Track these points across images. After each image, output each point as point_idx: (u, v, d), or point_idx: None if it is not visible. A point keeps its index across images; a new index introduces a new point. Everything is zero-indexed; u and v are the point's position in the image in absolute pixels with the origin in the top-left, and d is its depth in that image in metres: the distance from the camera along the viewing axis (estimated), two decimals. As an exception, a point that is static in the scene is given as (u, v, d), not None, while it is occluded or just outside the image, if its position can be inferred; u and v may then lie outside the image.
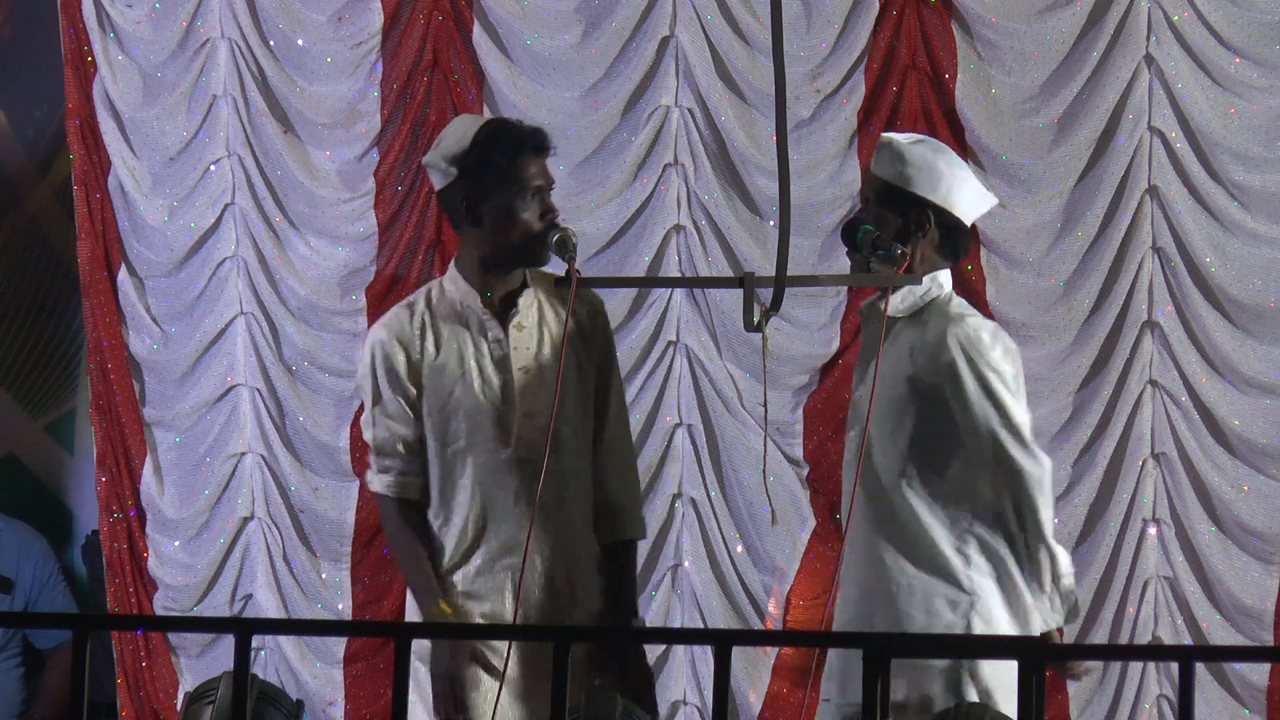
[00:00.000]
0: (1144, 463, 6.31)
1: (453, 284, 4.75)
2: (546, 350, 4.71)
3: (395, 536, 4.77)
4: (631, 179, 6.55)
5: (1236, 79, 6.28)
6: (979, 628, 4.59)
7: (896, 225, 4.80)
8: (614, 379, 4.84)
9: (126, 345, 6.85)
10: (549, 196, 4.71)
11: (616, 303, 6.53)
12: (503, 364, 4.70)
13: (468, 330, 4.72)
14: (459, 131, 4.74)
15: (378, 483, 4.75)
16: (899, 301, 4.77)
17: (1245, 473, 6.25)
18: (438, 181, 4.75)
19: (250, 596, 6.74)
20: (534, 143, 4.69)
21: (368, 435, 4.76)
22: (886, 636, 4.34)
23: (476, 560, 4.68)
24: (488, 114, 6.61)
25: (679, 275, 6.52)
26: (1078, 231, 6.35)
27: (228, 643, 6.52)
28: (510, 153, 4.65)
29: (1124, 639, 6.24)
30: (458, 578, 4.68)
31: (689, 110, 6.54)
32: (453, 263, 4.80)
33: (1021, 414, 4.69)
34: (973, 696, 4.56)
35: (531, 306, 4.74)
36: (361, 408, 4.97)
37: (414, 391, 4.70)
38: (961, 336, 4.70)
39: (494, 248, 4.71)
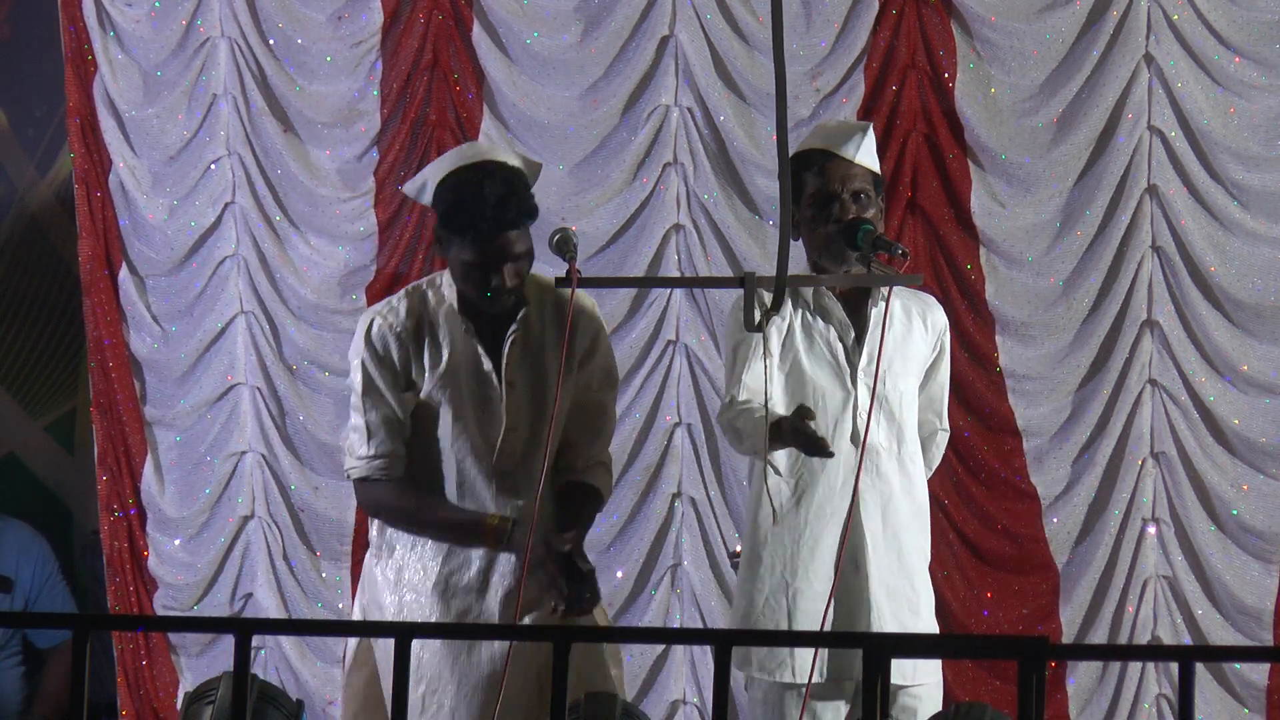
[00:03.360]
0: (1143, 462, 6.32)
1: (450, 289, 4.75)
2: (537, 366, 4.71)
3: (400, 505, 4.77)
4: (631, 178, 6.55)
5: (1236, 78, 6.28)
6: None
7: (880, 213, 4.86)
8: (601, 388, 4.83)
9: (127, 344, 6.85)
10: (507, 271, 4.61)
11: (616, 303, 6.53)
12: (490, 376, 4.70)
13: (460, 336, 4.72)
14: (440, 169, 4.69)
15: (362, 468, 4.77)
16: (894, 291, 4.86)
17: (1245, 472, 6.25)
18: (417, 197, 4.76)
19: (250, 595, 6.74)
20: (495, 222, 4.59)
21: (357, 420, 4.75)
22: (886, 637, 4.35)
23: (453, 561, 4.71)
24: (486, 113, 6.63)
25: (679, 275, 6.52)
26: (1077, 231, 6.35)
27: (228, 642, 6.52)
28: (470, 225, 4.59)
29: (1124, 638, 6.24)
30: (435, 572, 4.71)
31: (689, 110, 6.54)
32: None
33: None
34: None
35: (527, 319, 4.72)
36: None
37: (404, 382, 4.72)
38: (944, 316, 5.00)
39: (458, 288, 4.72)
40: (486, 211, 4.57)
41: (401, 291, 4.81)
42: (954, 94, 6.40)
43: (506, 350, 4.69)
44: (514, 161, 4.70)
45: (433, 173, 4.70)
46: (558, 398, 4.67)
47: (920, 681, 4.78)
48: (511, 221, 4.59)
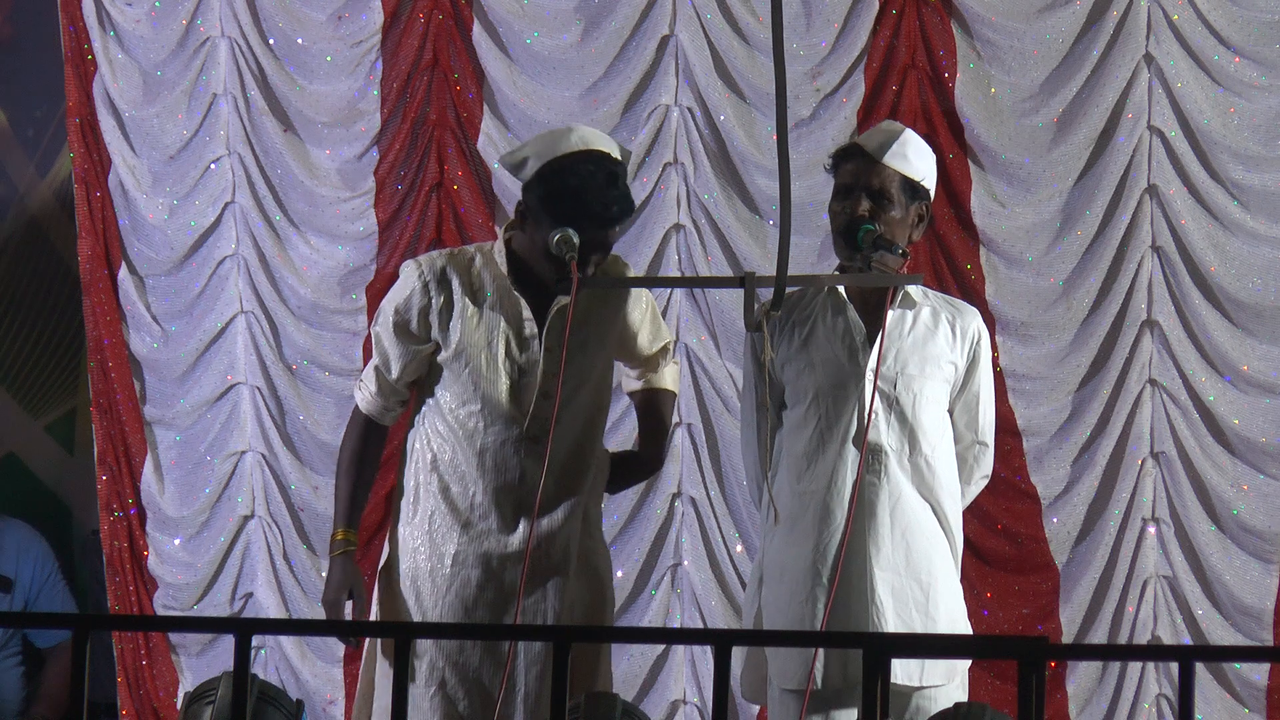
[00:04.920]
0: (1143, 462, 6.31)
1: (502, 256, 4.76)
2: (576, 336, 4.70)
3: (346, 448, 4.90)
4: (631, 178, 6.54)
5: (1236, 78, 6.28)
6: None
7: (907, 220, 4.84)
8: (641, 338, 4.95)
9: (127, 344, 6.85)
10: (594, 261, 4.66)
11: (616, 302, 6.53)
12: (530, 341, 4.72)
13: (504, 301, 4.74)
14: (547, 148, 4.67)
15: (361, 397, 4.88)
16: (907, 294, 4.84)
17: (1245, 472, 6.25)
18: (514, 172, 4.73)
19: (250, 595, 6.74)
20: (603, 220, 4.62)
21: (376, 355, 4.84)
22: (887, 636, 4.35)
23: (476, 529, 4.75)
24: (487, 113, 6.62)
25: (679, 275, 6.52)
26: (1077, 230, 6.35)
27: (228, 642, 6.52)
28: (578, 217, 4.60)
29: (1124, 638, 6.24)
30: (460, 535, 4.75)
31: (689, 109, 6.54)
32: (507, 231, 4.79)
33: None
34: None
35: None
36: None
37: (417, 335, 4.77)
38: (981, 325, 4.97)
39: (526, 256, 4.73)
40: (597, 209, 4.60)
41: (449, 249, 4.86)
42: (954, 94, 6.40)
43: (550, 316, 4.71)
44: (617, 153, 4.71)
45: (538, 151, 4.67)
46: (559, 391, 4.68)
47: (931, 684, 4.74)
48: (617, 218, 4.65)
